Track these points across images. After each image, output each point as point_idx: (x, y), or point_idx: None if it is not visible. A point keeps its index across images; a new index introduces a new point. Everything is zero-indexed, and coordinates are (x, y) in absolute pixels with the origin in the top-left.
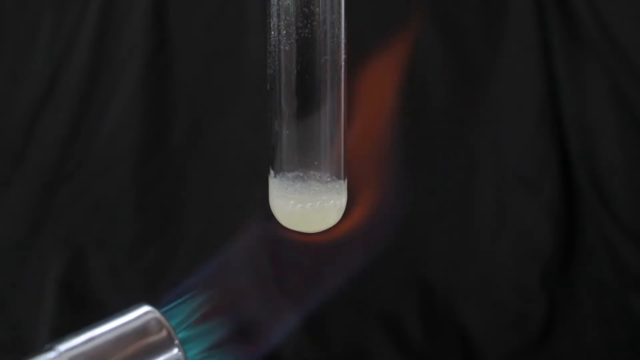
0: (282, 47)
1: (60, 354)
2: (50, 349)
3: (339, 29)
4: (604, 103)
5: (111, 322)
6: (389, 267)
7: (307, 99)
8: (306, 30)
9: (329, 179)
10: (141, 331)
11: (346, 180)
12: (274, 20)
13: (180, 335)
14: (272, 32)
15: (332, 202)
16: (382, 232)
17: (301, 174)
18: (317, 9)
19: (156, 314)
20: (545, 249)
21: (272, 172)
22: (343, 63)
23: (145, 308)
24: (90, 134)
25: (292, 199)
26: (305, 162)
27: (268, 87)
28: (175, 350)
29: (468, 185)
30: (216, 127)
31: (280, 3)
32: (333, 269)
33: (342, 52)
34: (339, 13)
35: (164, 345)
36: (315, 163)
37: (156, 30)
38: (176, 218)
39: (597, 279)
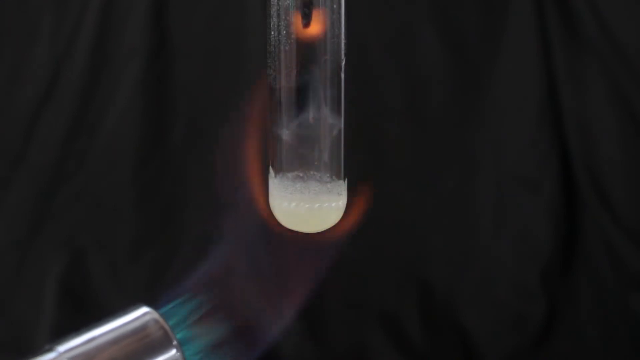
0: (282, 47)
1: (60, 354)
2: (49, 349)
3: (339, 29)
4: (604, 103)
5: (110, 323)
6: (389, 267)
7: (307, 99)
8: None
9: (328, 179)
10: (140, 332)
11: (346, 181)
12: (274, 20)
13: (179, 335)
14: (272, 32)
15: (332, 202)
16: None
17: (301, 174)
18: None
19: (155, 314)
20: (545, 249)
21: (272, 172)
22: (343, 63)
23: (144, 309)
24: (90, 134)
25: (291, 199)
26: (305, 162)
27: (268, 87)
28: (174, 351)
29: (468, 185)
30: (216, 127)
31: (280, 3)
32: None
33: (342, 52)
34: (339, 13)
35: (163, 346)
36: (315, 163)
37: (156, 30)
38: (176, 218)
39: (597, 279)
